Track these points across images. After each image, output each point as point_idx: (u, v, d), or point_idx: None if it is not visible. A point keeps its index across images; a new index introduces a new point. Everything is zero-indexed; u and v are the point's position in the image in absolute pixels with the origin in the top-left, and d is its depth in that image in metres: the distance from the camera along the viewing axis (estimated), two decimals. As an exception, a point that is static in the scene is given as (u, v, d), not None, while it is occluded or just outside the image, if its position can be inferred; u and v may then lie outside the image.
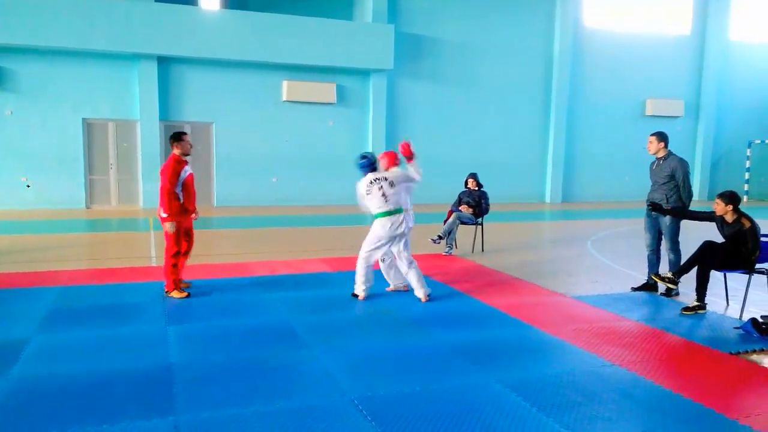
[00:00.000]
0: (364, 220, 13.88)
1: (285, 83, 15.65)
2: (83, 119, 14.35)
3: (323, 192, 16.40)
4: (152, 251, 8.89)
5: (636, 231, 11.59)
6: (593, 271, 8.01)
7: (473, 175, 9.37)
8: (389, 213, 5.94)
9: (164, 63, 14.71)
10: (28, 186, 13.84)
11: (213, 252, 8.79)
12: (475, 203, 9.14)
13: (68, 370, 4.14)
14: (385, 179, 6.00)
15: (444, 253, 8.84)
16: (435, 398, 3.76)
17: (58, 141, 14.18)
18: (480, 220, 9.24)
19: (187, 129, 15.05)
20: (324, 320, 5.41)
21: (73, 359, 4.36)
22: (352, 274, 6.27)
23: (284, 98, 15.74)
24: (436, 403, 3.69)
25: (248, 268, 7.71)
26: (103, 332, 4.97)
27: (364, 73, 16.46)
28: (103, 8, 13.61)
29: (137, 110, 14.60)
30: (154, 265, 7.77)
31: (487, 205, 9.21)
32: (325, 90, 15.99)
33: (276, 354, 4.53)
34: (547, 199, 18.87)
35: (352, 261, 8.34)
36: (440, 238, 8.86)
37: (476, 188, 9.28)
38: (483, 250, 9.26)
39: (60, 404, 3.60)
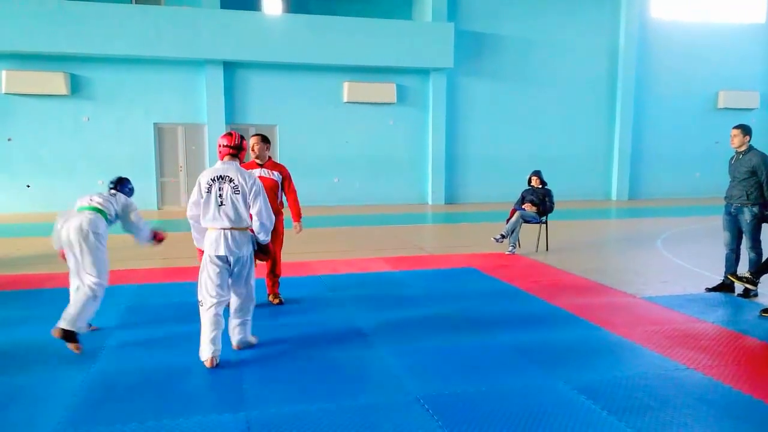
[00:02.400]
0: (423, 219, 13.93)
1: (346, 84, 15.82)
2: (154, 124, 14.95)
3: (383, 191, 16.49)
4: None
5: (708, 229, 11.12)
6: (664, 271, 7.72)
7: (537, 173, 9.22)
8: None
9: (229, 68, 15.14)
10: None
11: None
12: (539, 201, 8.98)
13: (144, 364, 4.33)
14: None
15: (507, 253, 8.73)
16: (501, 399, 3.72)
17: (130, 145, 14.82)
18: (544, 218, 9.08)
19: (251, 132, 15.46)
20: (388, 319, 5.44)
21: (149, 354, 4.55)
22: (414, 273, 6.26)
23: (345, 99, 15.92)
24: (502, 403, 3.65)
25: (311, 267, 7.85)
26: (175, 329, 5.16)
27: (423, 72, 16.44)
28: (172, 17, 14.16)
29: (204, 114, 15.08)
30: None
31: (552, 203, 9.04)
32: (385, 90, 16.07)
33: (341, 352, 4.59)
34: (614, 197, 18.33)
35: (414, 260, 8.36)
36: (503, 237, 8.75)
37: (540, 186, 9.12)
38: (547, 249, 9.09)
39: (138, 397, 3.77)
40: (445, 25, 15.77)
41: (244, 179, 4.33)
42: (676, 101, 18.58)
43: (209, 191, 4.31)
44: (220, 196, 4.28)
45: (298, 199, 5.95)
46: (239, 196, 4.29)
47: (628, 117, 18.01)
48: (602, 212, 15.19)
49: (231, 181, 4.30)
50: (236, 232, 4.32)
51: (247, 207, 4.33)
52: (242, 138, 4.53)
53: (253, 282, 4.57)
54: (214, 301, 4.30)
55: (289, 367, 4.29)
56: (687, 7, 18.57)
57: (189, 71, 14.95)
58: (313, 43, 14.99)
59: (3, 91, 13.70)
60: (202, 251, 4.45)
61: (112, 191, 5.22)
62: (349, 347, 4.70)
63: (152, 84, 14.78)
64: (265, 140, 5.75)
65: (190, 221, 4.49)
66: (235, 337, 4.59)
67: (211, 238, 4.32)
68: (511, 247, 8.78)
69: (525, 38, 17.16)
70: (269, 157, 5.87)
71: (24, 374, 4.15)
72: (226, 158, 4.45)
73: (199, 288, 4.39)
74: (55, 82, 13.92)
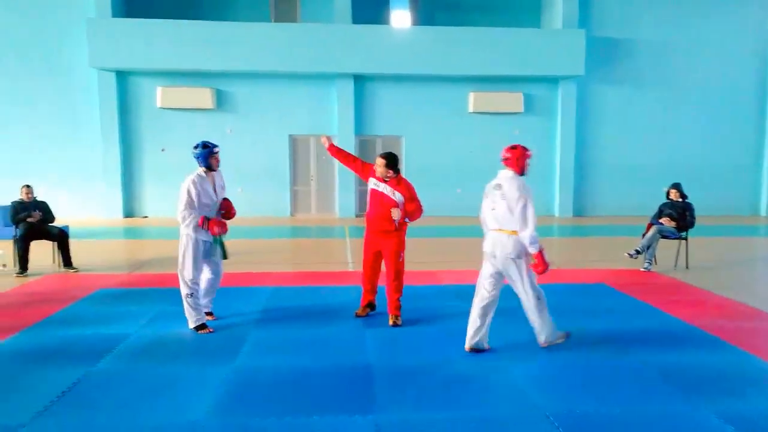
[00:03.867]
0: (550, 231, 13.52)
1: (471, 95, 15.78)
2: (289, 135, 15.77)
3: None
4: (348, 257, 9.48)
5: None
6: (826, 295, 6.96)
7: (676, 186, 8.67)
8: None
9: (359, 80, 15.64)
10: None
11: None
12: (679, 215, 8.44)
13: (279, 363, 4.59)
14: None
15: (643, 269, 8.27)
16: (638, 423, 3.55)
17: (266, 155, 15.73)
18: (684, 234, 8.51)
19: (378, 143, 15.86)
20: (514, 332, 5.35)
21: (283, 354, 4.81)
22: (542, 287, 6.08)
23: (470, 110, 15.88)
24: (638, 428, 3.48)
25: (437, 276, 7.90)
26: (308, 331, 5.42)
27: (552, 81, 16.02)
28: (307, 33, 14.91)
29: (335, 125, 15.68)
30: (350, 270, 8.28)
31: (693, 217, 8.46)
32: (511, 100, 15.84)
33: (467, 362, 4.59)
34: (763, 212, 16.76)
35: (542, 273, 8.13)
36: (638, 252, 8.32)
37: (679, 200, 8.57)
38: (687, 267, 8.50)
39: (274, 395, 4.00)
40: (575, 32, 15.28)
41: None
42: (841, 107, 16.68)
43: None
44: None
45: (420, 210, 5.59)
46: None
47: (780, 125, 16.44)
48: (750, 229, 13.94)
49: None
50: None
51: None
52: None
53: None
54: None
55: (416, 374, 4.36)
56: None
57: (321, 85, 15.63)
58: (440, 54, 15.12)
59: (158, 106, 15.08)
60: None
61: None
62: (475, 358, 4.69)
63: (287, 97, 15.61)
64: (389, 165, 5.54)
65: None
66: None
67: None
68: (647, 264, 8.31)
69: (662, 42, 16.21)
70: (393, 175, 5.59)
71: (174, 364, 4.55)
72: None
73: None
74: (203, 96, 15.11)
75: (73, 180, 15.11)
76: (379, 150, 15.78)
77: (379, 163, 5.57)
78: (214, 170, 5.42)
